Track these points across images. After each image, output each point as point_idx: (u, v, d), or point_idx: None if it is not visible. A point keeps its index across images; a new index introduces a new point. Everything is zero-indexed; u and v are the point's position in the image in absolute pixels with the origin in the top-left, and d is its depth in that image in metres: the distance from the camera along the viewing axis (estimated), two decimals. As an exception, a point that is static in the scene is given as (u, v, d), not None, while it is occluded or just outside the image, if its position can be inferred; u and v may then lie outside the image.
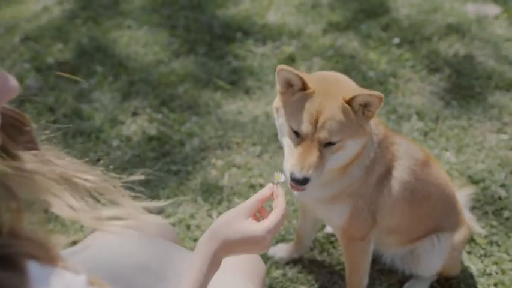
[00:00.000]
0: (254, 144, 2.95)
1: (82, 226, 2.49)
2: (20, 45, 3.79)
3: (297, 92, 1.69)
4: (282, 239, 2.50)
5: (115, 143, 2.98)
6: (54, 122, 3.06)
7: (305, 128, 1.65)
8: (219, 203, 2.65)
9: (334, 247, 2.47)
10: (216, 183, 2.75)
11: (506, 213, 2.56)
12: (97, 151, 2.92)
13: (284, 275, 2.37)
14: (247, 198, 2.63)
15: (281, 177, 1.41)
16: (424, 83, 3.33)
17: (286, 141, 1.73)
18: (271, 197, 1.42)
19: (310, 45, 3.65)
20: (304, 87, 1.68)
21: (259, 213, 1.41)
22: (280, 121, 1.76)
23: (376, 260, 2.31)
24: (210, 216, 2.60)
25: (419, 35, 3.68)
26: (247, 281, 1.64)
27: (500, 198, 2.63)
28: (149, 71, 3.50)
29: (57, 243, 0.91)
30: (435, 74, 3.39)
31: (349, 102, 1.65)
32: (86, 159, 1.06)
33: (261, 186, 2.72)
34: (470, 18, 3.83)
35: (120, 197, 1.04)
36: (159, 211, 2.54)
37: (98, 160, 2.80)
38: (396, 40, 3.64)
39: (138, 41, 3.76)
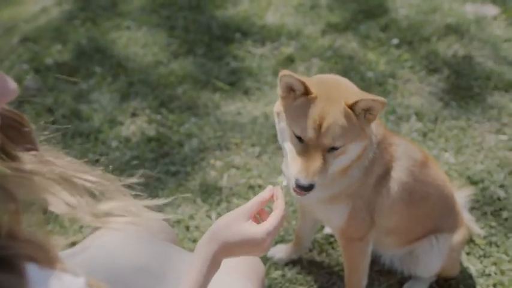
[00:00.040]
0: (253, 145, 2.95)
1: (81, 227, 2.49)
2: (18, 46, 3.79)
3: (299, 97, 1.68)
4: (281, 240, 2.50)
5: (114, 143, 2.98)
6: (53, 122, 3.06)
7: (309, 134, 1.65)
8: (218, 203, 2.65)
9: (333, 248, 2.47)
10: (215, 184, 2.75)
11: (505, 214, 2.56)
12: (96, 152, 2.92)
13: (283, 275, 2.37)
14: (246, 199, 2.65)
15: (283, 181, 1.42)
16: (423, 83, 3.33)
17: (288, 146, 1.73)
18: (271, 199, 1.42)
19: (309, 46, 3.65)
20: (306, 92, 1.67)
21: (259, 215, 1.41)
22: (282, 125, 1.75)
23: (375, 261, 2.32)
24: (209, 217, 2.60)
25: (418, 36, 3.68)
26: (246, 281, 1.64)
27: (499, 199, 2.63)
28: (148, 71, 3.50)
29: (56, 245, 0.91)
30: (434, 75, 3.39)
31: (352, 106, 1.65)
32: (85, 159, 1.06)
33: (260, 187, 2.72)
34: (469, 18, 3.83)
35: (121, 197, 1.04)
36: (159, 211, 2.54)
37: (97, 161, 2.80)
38: (395, 41, 3.64)
39: (137, 42, 3.76)
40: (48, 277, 0.82)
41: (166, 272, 1.52)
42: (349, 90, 1.74)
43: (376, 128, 1.88)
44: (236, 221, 1.33)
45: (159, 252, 1.60)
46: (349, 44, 3.66)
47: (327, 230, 2.50)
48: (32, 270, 0.80)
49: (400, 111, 3.10)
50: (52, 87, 3.38)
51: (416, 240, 2.15)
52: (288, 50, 3.61)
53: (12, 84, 0.83)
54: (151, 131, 3.06)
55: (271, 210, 1.40)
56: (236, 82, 3.38)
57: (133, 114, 3.19)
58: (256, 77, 3.40)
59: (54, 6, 4.23)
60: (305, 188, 1.65)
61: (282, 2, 4.08)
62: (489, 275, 2.34)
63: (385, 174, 1.93)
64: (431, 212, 2.11)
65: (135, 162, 2.85)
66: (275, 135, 2.69)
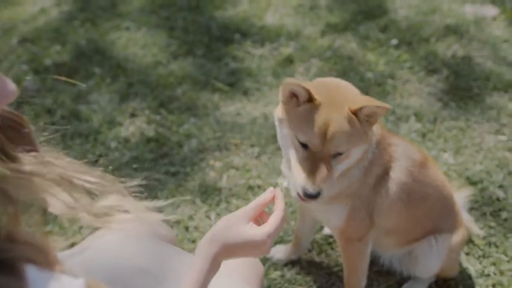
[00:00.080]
0: (252, 146, 2.95)
1: (80, 227, 2.49)
2: (17, 47, 3.79)
3: (303, 104, 1.68)
4: (281, 241, 2.50)
5: (113, 144, 2.98)
6: (53, 123, 3.06)
7: (315, 141, 1.65)
8: (218, 204, 2.65)
9: (332, 248, 2.47)
10: (215, 184, 2.75)
11: (504, 214, 2.56)
12: (95, 152, 2.92)
13: (282, 276, 2.37)
14: (245, 199, 2.66)
15: (284, 183, 1.42)
16: (422, 84, 3.33)
17: (292, 153, 1.73)
18: (272, 201, 1.42)
19: (308, 46, 3.65)
20: (310, 99, 1.67)
21: (259, 217, 1.41)
22: (285, 132, 1.75)
23: (374, 262, 2.32)
24: (208, 217, 2.60)
25: (418, 36, 3.69)
26: (245, 282, 1.65)
27: (498, 199, 2.63)
28: (147, 72, 3.50)
29: (55, 246, 0.91)
30: (433, 75, 3.39)
31: (355, 112, 1.66)
32: (85, 160, 1.06)
33: (259, 187, 2.72)
34: (468, 19, 3.83)
35: (121, 197, 1.05)
36: (158, 212, 2.53)
37: (96, 161, 2.80)
38: (394, 41, 3.64)
39: (136, 43, 3.76)
40: (48, 279, 0.82)
41: (166, 273, 1.52)
42: (352, 95, 1.74)
43: (375, 128, 1.88)
44: (237, 223, 1.33)
45: (159, 252, 1.60)
46: (349, 44, 3.67)
47: (326, 231, 2.50)
48: (31, 272, 0.80)
49: (399, 112, 3.10)
50: (51, 88, 3.38)
51: (415, 240, 2.15)
52: (288, 50, 3.62)
53: (12, 86, 0.83)
54: (150, 132, 3.06)
55: (271, 211, 1.40)
56: (235, 83, 3.39)
57: (133, 115, 3.19)
58: (255, 78, 3.41)
59: (53, 6, 4.23)
60: (312, 196, 1.66)
61: (281, 3, 4.08)
62: (488, 275, 2.34)
63: (384, 175, 1.93)
64: (430, 213, 2.11)
65: (134, 162, 2.85)
66: (274, 136, 2.69)
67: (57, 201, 0.90)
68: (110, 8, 4.15)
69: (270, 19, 3.93)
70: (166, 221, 2.02)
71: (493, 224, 2.53)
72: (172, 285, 1.46)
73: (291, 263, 2.42)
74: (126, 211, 1.02)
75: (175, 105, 3.23)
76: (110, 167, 1.11)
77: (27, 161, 0.92)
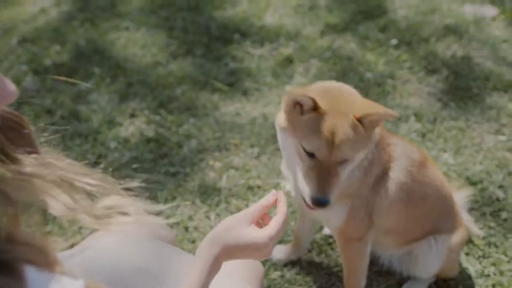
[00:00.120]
0: (252, 146, 2.95)
1: (80, 228, 2.49)
2: (17, 47, 3.79)
3: (307, 112, 1.67)
4: (280, 241, 2.50)
5: (113, 144, 2.98)
6: (52, 124, 3.06)
7: (322, 150, 1.65)
8: (217, 204, 2.65)
9: (332, 249, 2.47)
10: (214, 185, 2.75)
11: (504, 215, 2.56)
12: (95, 153, 2.92)
13: (282, 276, 2.37)
14: (245, 199, 2.66)
15: (286, 186, 1.43)
16: (422, 84, 3.33)
17: (298, 162, 1.73)
18: (274, 204, 1.43)
19: (307, 46, 3.65)
20: (315, 107, 1.66)
21: (261, 220, 1.41)
22: (289, 141, 1.75)
23: (374, 262, 2.32)
24: (208, 218, 2.60)
25: (417, 36, 3.69)
26: (245, 282, 1.65)
27: (498, 200, 2.63)
28: (147, 72, 3.50)
29: (55, 247, 0.90)
30: (433, 75, 3.39)
31: (360, 119, 1.67)
32: (86, 161, 1.06)
33: (259, 187, 2.72)
34: (467, 19, 3.83)
35: (121, 199, 1.04)
36: (158, 213, 2.53)
37: (96, 162, 2.80)
38: (394, 41, 3.64)
39: (136, 43, 3.76)
40: (47, 280, 0.82)
41: (166, 273, 1.52)
42: (355, 101, 1.74)
43: (375, 128, 1.89)
44: (238, 225, 1.33)
45: (159, 253, 1.60)
46: (348, 44, 3.67)
47: (326, 231, 2.50)
48: (31, 273, 0.80)
49: (399, 112, 3.10)
50: (51, 88, 3.38)
51: (414, 240, 2.15)
52: (287, 50, 3.61)
53: (12, 86, 0.83)
54: (150, 132, 3.06)
55: (274, 213, 1.40)
56: (235, 83, 3.38)
57: (132, 115, 3.19)
58: (255, 78, 3.40)
59: (53, 7, 4.23)
60: (322, 204, 1.68)
61: (280, 3, 4.08)
62: (488, 275, 2.34)
63: (384, 175, 1.93)
64: (430, 213, 2.11)
65: (134, 163, 2.85)
66: (274, 136, 2.69)
67: (57, 203, 0.90)
68: (110, 8, 4.15)
69: (270, 19, 3.93)
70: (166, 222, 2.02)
71: (492, 224, 2.53)
72: (172, 286, 1.46)
73: (290, 263, 2.42)
74: (126, 213, 1.02)
75: (175, 105, 3.23)
76: (110, 169, 1.11)
77: (28, 163, 0.91)
